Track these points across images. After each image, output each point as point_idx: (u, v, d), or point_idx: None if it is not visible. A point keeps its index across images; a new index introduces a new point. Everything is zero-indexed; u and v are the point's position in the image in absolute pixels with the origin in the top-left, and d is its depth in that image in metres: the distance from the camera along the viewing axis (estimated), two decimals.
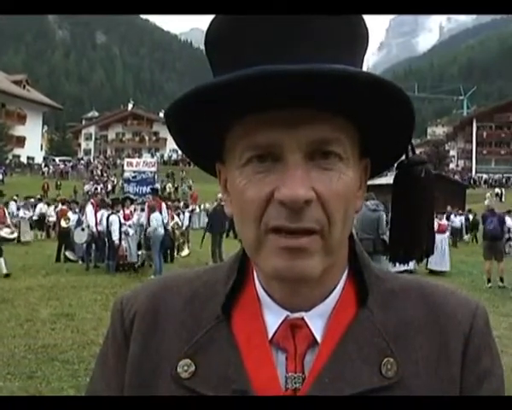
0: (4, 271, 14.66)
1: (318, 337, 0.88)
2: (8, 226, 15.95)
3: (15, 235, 16.46)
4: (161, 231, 15.62)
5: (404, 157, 0.94)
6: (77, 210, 20.48)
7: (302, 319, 0.89)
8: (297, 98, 0.76)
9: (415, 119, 0.85)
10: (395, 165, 0.98)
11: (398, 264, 0.98)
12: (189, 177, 57.56)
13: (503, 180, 77.32)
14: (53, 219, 25.82)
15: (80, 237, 16.99)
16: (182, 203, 28.48)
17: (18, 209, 27.71)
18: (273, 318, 0.90)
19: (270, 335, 0.89)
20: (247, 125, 0.81)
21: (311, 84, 0.74)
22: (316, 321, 0.89)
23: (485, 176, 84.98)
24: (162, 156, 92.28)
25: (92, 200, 19.09)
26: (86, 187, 50.50)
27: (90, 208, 17.07)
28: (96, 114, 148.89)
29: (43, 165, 75.62)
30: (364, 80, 0.75)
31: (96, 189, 49.31)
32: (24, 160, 78.67)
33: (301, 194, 0.76)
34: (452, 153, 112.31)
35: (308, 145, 0.79)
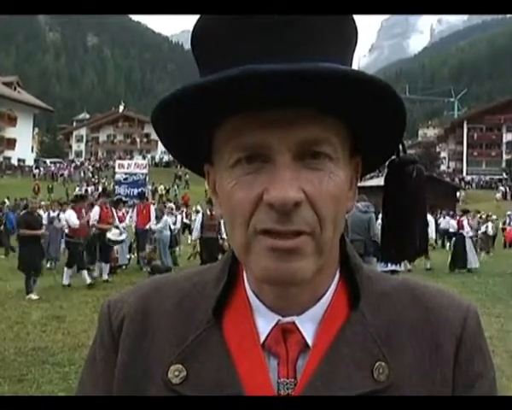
0: (105, 277, 14.75)
1: (310, 342, 0.86)
2: (116, 227, 15.73)
3: (124, 236, 16.12)
4: (168, 233, 17.15)
5: (395, 156, 0.93)
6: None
7: (293, 323, 0.87)
8: (285, 98, 0.75)
9: (406, 116, 0.84)
10: (386, 164, 0.96)
11: (390, 264, 0.97)
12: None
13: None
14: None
15: None
16: (172, 205, 28.46)
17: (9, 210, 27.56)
18: (264, 322, 0.88)
19: (262, 339, 0.87)
20: (235, 125, 0.79)
21: (299, 84, 0.72)
22: (307, 325, 0.87)
23: (468, 177, 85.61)
24: (153, 158, 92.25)
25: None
26: (77, 189, 50.22)
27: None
28: (87, 115, 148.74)
29: (33, 167, 75.43)
30: (353, 78, 0.74)
31: (87, 191, 49.05)
32: (15, 162, 78.46)
33: (291, 196, 0.75)
34: (443, 155, 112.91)
35: (297, 146, 0.78)
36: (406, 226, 0.92)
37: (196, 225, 15.39)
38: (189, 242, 17.75)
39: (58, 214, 18.12)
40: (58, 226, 17.34)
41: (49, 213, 19.29)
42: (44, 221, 16.47)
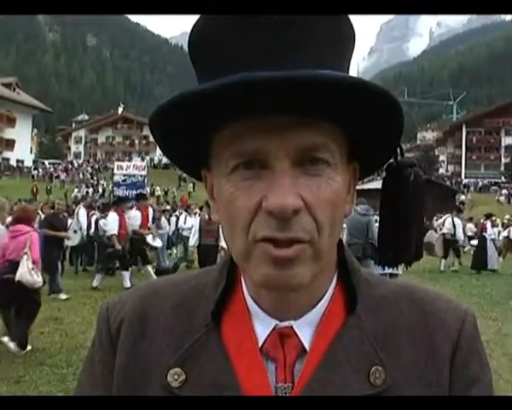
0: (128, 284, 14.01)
1: (307, 346, 0.87)
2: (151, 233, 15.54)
3: (160, 243, 15.94)
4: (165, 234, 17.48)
5: (393, 160, 0.93)
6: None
7: (291, 327, 0.87)
8: (282, 105, 0.75)
9: (403, 121, 0.84)
10: (384, 167, 0.97)
11: (386, 267, 0.97)
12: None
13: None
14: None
15: (72, 240, 16.93)
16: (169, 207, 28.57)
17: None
18: (262, 327, 0.88)
19: (260, 344, 0.88)
20: (234, 131, 0.79)
21: (296, 91, 0.72)
22: (305, 330, 0.88)
23: (466, 181, 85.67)
24: (152, 160, 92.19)
25: (84, 203, 19.08)
26: (76, 191, 50.23)
27: (82, 212, 17.05)
28: (86, 117, 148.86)
29: (32, 168, 75.38)
30: (350, 85, 0.74)
31: (87, 192, 49.08)
32: (13, 163, 78.47)
33: (290, 203, 0.75)
34: (442, 158, 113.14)
35: (295, 152, 0.78)
36: (403, 230, 0.92)
37: (194, 231, 14.05)
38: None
39: None
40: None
41: (40, 217, 17.01)
42: (36, 224, 16.02)
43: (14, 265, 7.74)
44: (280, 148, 0.78)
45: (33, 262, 7.85)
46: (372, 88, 0.75)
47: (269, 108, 0.76)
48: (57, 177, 68.90)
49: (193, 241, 14.15)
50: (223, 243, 12.77)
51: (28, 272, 7.69)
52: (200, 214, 16.48)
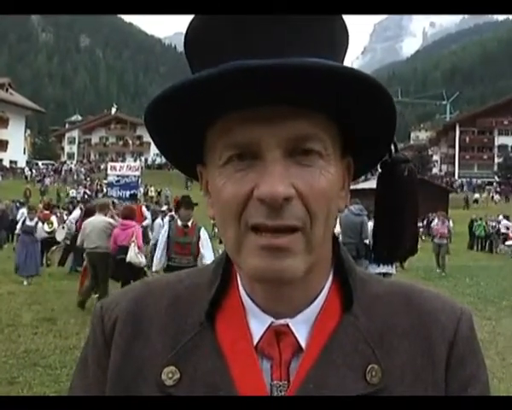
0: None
1: (303, 344, 0.86)
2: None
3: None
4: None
5: (387, 156, 0.93)
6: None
7: (287, 325, 0.87)
8: (275, 92, 0.75)
9: (396, 115, 0.84)
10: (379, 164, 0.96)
11: (381, 264, 0.97)
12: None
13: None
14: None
15: (60, 235, 17.21)
16: (165, 207, 28.53)
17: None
18: (257, 324, 0.88)
19: (255, 342, 0.87)
20: (226, 123, 0.80)
21: (288, 79, 0.72)
22: (300, 327, 0.87)
23: (459, 181, 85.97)
24: (146, 160, 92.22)
25: (81, 205, 19.21)
26: (71, 192, 50.07)
27: (77, 212, 17.38)
28: (80, 117, 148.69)
29: (26, 169, 75.14)
30: (344, 74, 0.74)
31: (86, 193, 48.88)
32: (6, 163, 78.43)
33: (280, 191, 0.75)
34: (435, 158, 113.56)
35: (287, 142, 0.78)
36: (398, 225, 0.92)
37: (158, 251, 8.68)
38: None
39: (37, 223, 15.52)
40: (39, 237, 15.56)
41: (24, 221, 15.61)
42: (18, 231, 15.79)
43: (124, 249, 10.49)
44: (271, 137, 0.78)
45: (138, 248, 10.60)
46: (366, 79, 0.75)
47: (262, 96, 0.76)
48: (39, 181, 63.66)
49: (159, 264, 8.60)
50: (206, 260, 8.17)
51: (135, 256, 10.41)
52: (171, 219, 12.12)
